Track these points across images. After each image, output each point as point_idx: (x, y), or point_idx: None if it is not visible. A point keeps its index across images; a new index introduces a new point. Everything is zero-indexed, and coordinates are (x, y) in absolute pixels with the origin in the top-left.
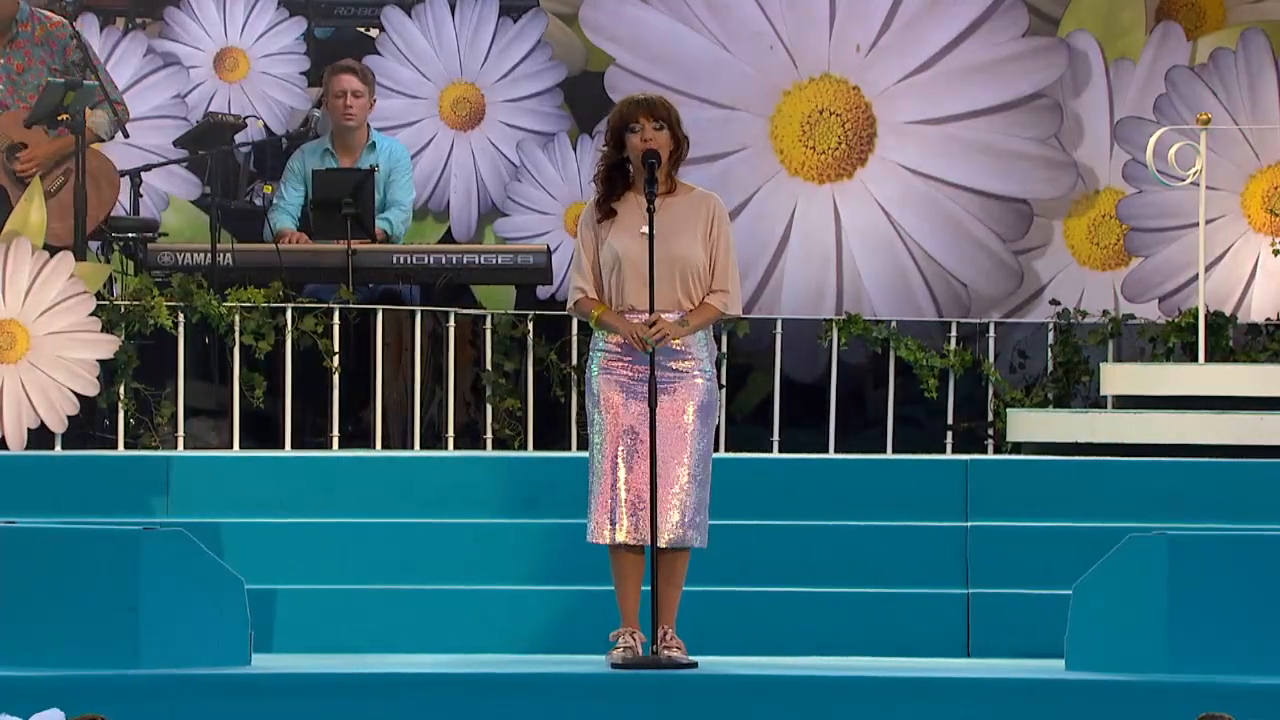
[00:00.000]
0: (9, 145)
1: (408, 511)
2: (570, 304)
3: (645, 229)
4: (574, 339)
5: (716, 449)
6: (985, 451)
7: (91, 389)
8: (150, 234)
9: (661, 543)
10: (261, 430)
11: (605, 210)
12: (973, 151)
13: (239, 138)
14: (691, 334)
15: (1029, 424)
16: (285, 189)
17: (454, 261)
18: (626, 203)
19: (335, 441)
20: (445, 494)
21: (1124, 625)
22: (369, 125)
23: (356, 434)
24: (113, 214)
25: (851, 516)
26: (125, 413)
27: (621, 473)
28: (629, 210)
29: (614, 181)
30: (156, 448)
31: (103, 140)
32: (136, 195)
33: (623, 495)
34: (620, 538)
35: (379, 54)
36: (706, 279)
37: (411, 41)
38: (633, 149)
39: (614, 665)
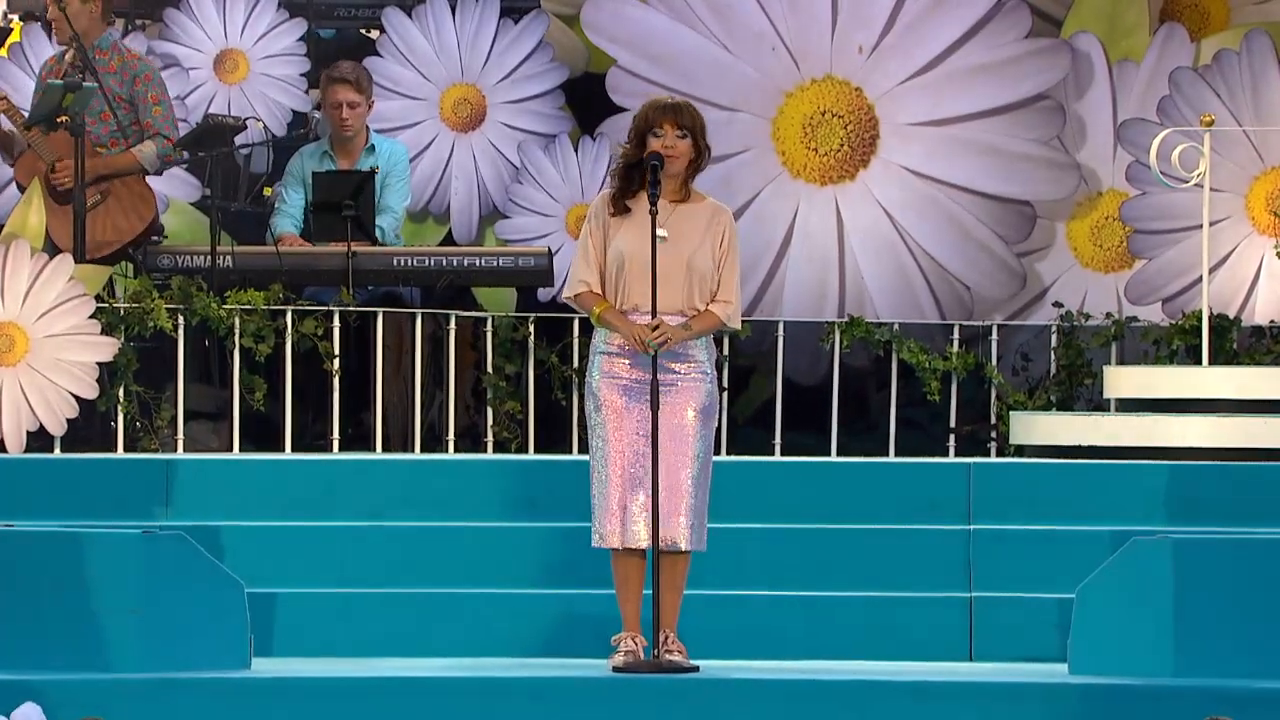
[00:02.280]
0: (52, 161)
1: (408, 515)
2: (570, 294)
3: (660, 232)
4: (575, 341)
5: (717, 452)
6: (988, 455)
7: (91, 392)
8: (156, 238)
9: (663, 546)
10: (261, 433)
11: (620, 206)
12: (975, 153)
13: (239, 139)
14: (693, 339)
15: (1032, 427)
16: (286, 193)
17: (455, 264)
18: (641, 202)
19: (335, 444)
20: (445, 497)
21: (1128, 629)
22: (368, 128)
23: (357, 437)
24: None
25: (853, 520)
26: (125, 416)
27: (623, 476)
28: (643, 209)
29: (631, 179)
30: (156, 451)
31: (148, 172)
32: None
33: (625, 498)
34: (623, 541)
35: (379, 55)
36: (713, 287)
37: (412, 43)
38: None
39: (615, 669)
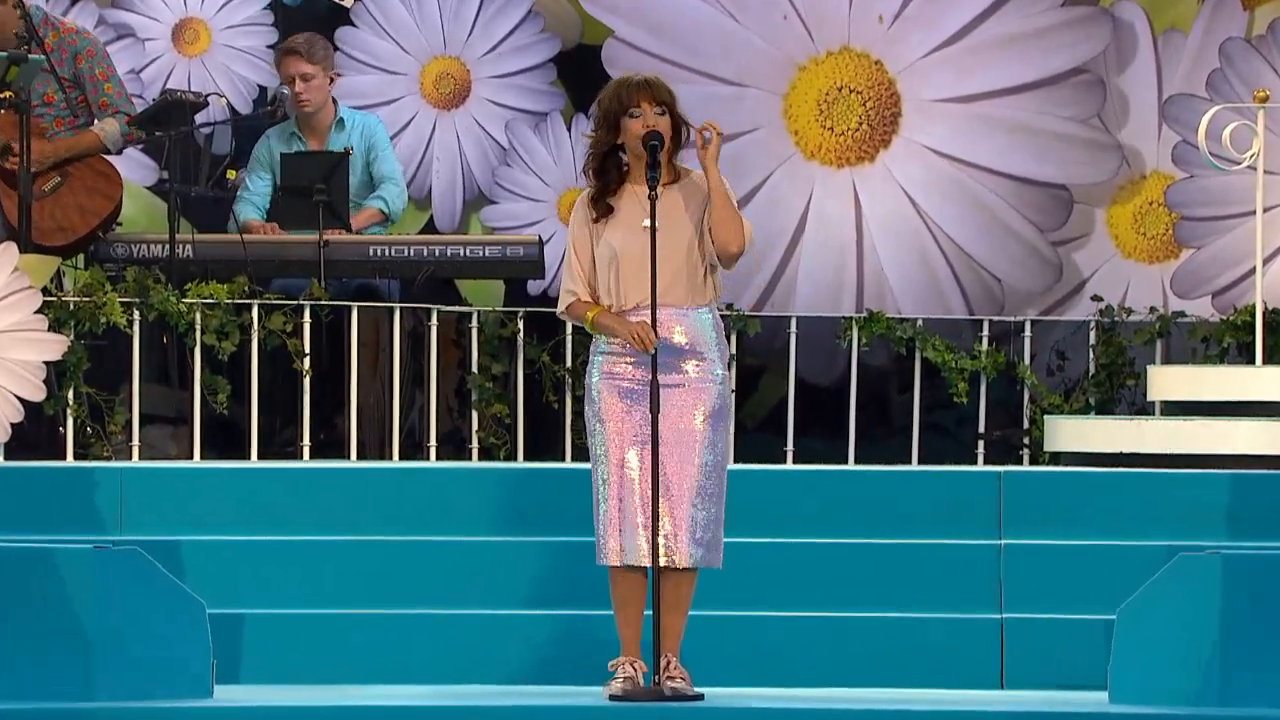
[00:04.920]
0: (3, 146)
1: (385, 528)
2: (562, 309)
3: (647, 222)
4: (568, 339)
5: None
6: (1020, 462)
7: (37, 394)
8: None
9: (674, 563)
10: (225, 439)
11: (601, 208)
12: (1007, 132)
13: (200, 118)
14: (720, 194)
15: (1068, 432)
16: (251, 177)
17: (437, 254)
18: (623, 196)
19: (306, 451)
20: (427, 509)
21: (1173, 654)
22: (335, 101)
23: (329, 443)
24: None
25: (873, 534)
26: (75, 420)
27: (628, 487)
28: (627, 204)
29: (608, 172)
30: (109, 458)
31: (110, 152)
32: None
33: (628, 513)
34: (625, 558)
35: (354, 25)
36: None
37: (390, 12)
38: (633, 135)
39: (613, 697)
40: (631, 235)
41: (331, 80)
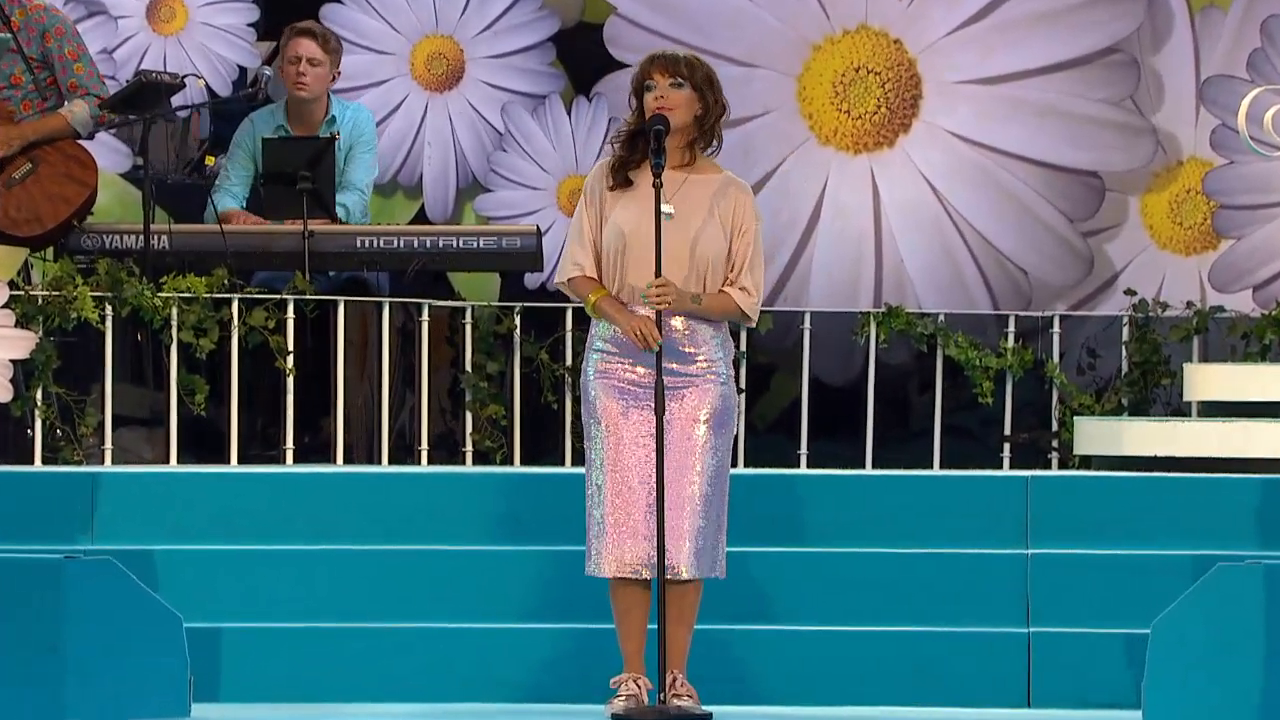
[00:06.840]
0: None
1: (374, 537)
2: (563, 279)
3: (663, 206)
4: (568, 335)
5: (734, 464)
6: (1049, 467)
7: (4, 394)
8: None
9: (670, 574)
10: (203, 442)
11: (620, 178)
12: (1035, 115)
13: (176, 100)
14: (698, 316)
15: (1100, 434)
16: (231, 165)
17: (428, 245)
18: (645, 173)
19: (289, 455)
20: (418, 516)
21: (1211, 671)
22: (330, 95)
23: (314, 447)
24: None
25: (892, 543)
26: (44, 421)
27: (623, 493)
28: (646, 182)
29: (635, 147)
30: (80, 462)
31: (80, 136)
32: None
33: (624, 519)
34: (622, 569)
35: (341, 2)
36: (726, 272)
37: None
38: (648, 110)
39: (615, 716)
40: (642, 219)
41: (334, 76)
